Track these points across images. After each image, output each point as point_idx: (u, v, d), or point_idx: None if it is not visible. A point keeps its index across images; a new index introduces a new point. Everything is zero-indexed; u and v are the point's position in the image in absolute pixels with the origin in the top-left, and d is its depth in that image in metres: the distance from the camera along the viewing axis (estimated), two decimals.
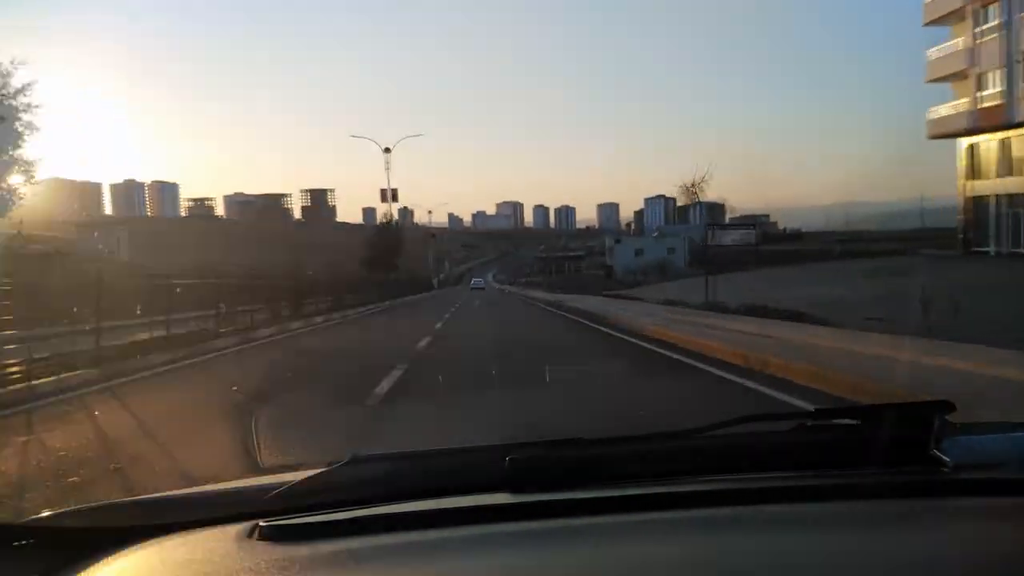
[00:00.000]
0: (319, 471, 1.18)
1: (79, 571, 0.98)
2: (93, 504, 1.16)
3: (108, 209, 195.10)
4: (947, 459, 1.13)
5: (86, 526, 1.11)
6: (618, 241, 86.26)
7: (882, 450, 1.17)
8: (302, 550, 0.96)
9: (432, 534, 0.99)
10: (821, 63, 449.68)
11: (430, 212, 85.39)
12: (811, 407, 5.62)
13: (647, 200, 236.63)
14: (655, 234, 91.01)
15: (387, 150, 51.86)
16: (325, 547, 0.97)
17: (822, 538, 0.97)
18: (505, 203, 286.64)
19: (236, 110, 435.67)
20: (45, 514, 1.12)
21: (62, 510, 1.13)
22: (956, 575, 0.86)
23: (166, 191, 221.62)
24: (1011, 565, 0.87)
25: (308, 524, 1.04)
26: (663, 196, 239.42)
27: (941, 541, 0.94)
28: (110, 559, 1.01)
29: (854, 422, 1.25)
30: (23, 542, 1.07)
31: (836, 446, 1.23)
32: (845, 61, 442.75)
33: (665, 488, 1.13)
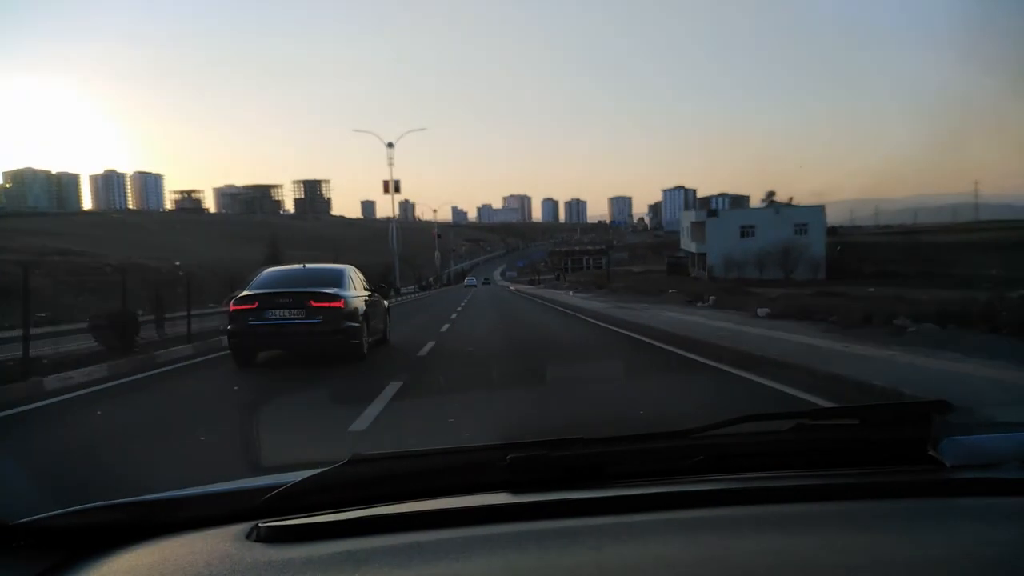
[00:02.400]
0: (319, 471, 1.23)
1: (79, 571, 1.03)
2: (93, 504, 1.20)
3: (87, 202, 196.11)
4: (946, 459, 1.19)
5: (86, 526, 1.16)
6: (713, 213, 56.85)
7: (881, 450, 1.24)
8: (301, 551, 1.01)
9: (432, 534, 1.04)
10: (841, 53, 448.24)
11: (390, 144, 50.40)
12: (812, 406, 5.43)
13: (665, 192, 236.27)
14: (764, 203, 57.70)
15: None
16: (323, 548, 1.01)
17: (822, 538, 1.01)
18: (512, 196, 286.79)
19: (228, 100, 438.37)
20: (44, 514, 1.16)
21: (61, 510, 1.17)
22: (955, 575, 0.90)
23: (149, 182, 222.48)
24: (1010, 565, 0.92)
25: (307, 525, 1.09)
26: (683, 187, 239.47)
27: (940, 541, 0.99)
28: (110, 559, 1.06)
29: (853, 422, 1.31)
30: (22, 542, 1.12)
31: (835, 446, 1.30)
32: (867, 51, 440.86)
33: (665, 488, 1.19)
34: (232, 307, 9.01)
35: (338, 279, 9.58)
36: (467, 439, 5.14)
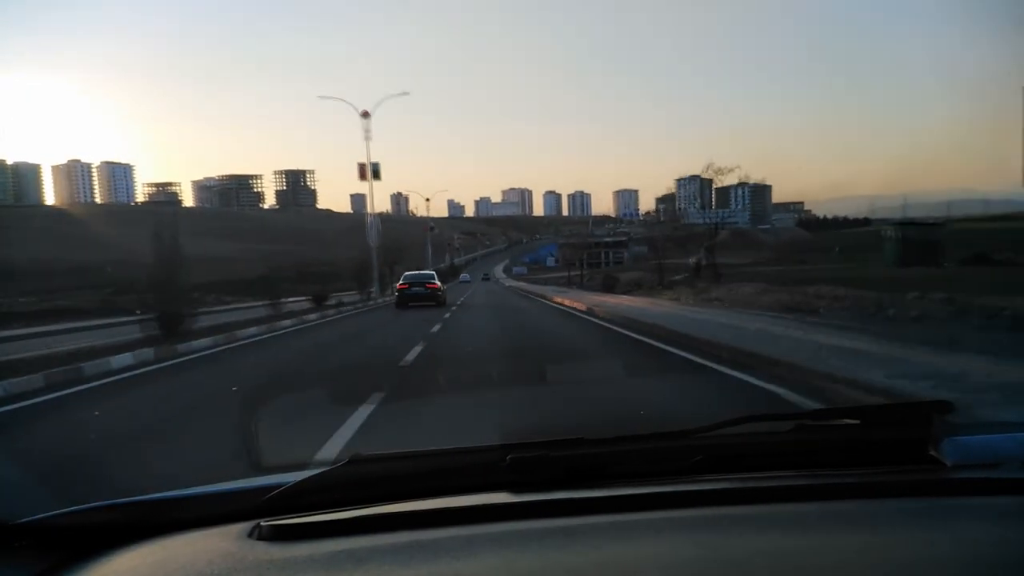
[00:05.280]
0: (319, 471, 1.33)
1: (78, 571, 1.11)
2: (92, 504, 1.29)
3: (49, 195, 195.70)
4: (946, 459, 1.27)
5: (86, 526, 1.25)
6: None
7: (882, 450, 1.32)
8: (302, 549, 1.10)
9: (432, 534, 1.12)
10: (858, 44, 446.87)
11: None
12: (812, 406, 5.47)
13: (680, 181, 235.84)
14: None
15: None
16: (325, 547, 1.10)
17: (822, 538, 1.09)
18: (512, 190, 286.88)
19: (211, 92, 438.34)
20: (44, 514, 1.24)
21: (61, 510, 1.25)
22: (956, 575, 0.98)
23: (118, 174, 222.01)
24: (1011, 565, 0.99)
25: (308, 524, 1.18)
26: (699, 176, 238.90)
27: (941, 541, 1.06)
28: (110, 559, 1.14)
29: (854, 422, 1.40)
30: (22, 542, 1.20)
31: (836, 446, 1.39)
32: (889, 39, 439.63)
33: (665, 488, 1.27)
34: (399, 286, 26.68)
35: (433, 276, 27.67)
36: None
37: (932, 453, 1.30)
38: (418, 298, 25.03)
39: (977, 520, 1.11)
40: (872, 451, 1.35)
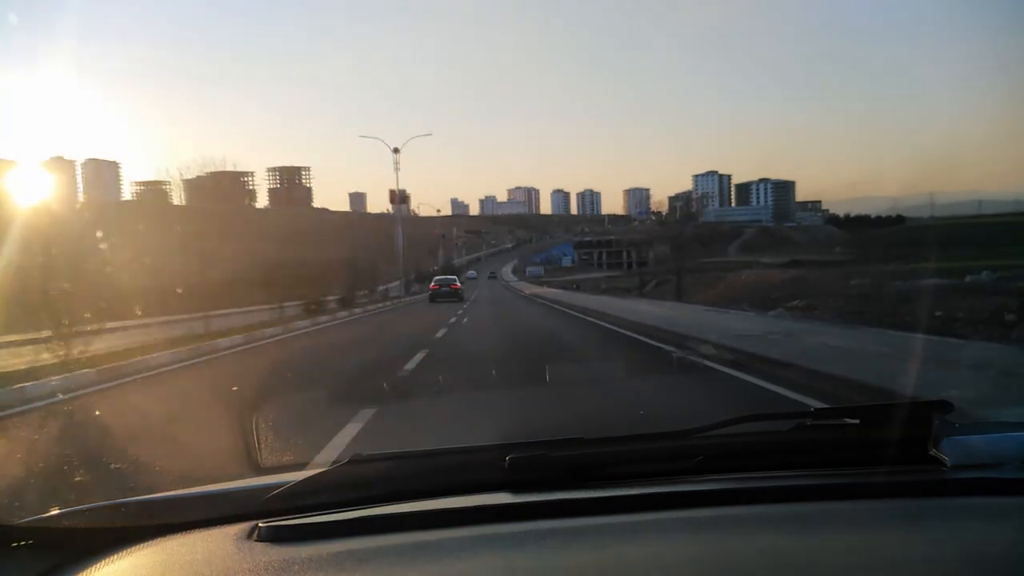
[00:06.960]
0: (319, 471, 1.39)
1: (79, 571, 1.17)
2: (93, 504, 1.35)
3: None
4: (946, 459, 1.33)
5: (86, 526, 1.30)
6: None
7: (882, 450, 1.37)
8: (301, 551, 1.15)
9: (432, 534, 1.17)
10: (872, 41, 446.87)
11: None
12: (812, 406, 5.55)
13: (697, 177, 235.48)
14: None
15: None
16: (324, 548, 1.15)
17: (822, 538, 1.14)
18: (518, 188, 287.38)
19: (206, 90, 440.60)
20: (44, 515, 1.30)
21: (62, 510, 1.32)
22: (956, 575, 1.02)
23: (104, 171, 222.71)
24: (1011, 565, 1.04)
25: (307, 525, 1.23)
26: (716, 172, 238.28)
27: (941, 541, 1.11)
28: (110, 559, 1.19)
29: (854, 422, 1.45)
30: (22, 543, 1.25)
31: (836, 446, 1.45)
32: (906, 36, 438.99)
33: (665, 488, 1.33)
34: (431, 286, 40.04)
35: (456, 279, 43.29)
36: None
37: (932, 453, 1.34)
38: (444, 295, 36.86)
39: (977, 520, 1.15)
40: (872, 451, 1.38)
